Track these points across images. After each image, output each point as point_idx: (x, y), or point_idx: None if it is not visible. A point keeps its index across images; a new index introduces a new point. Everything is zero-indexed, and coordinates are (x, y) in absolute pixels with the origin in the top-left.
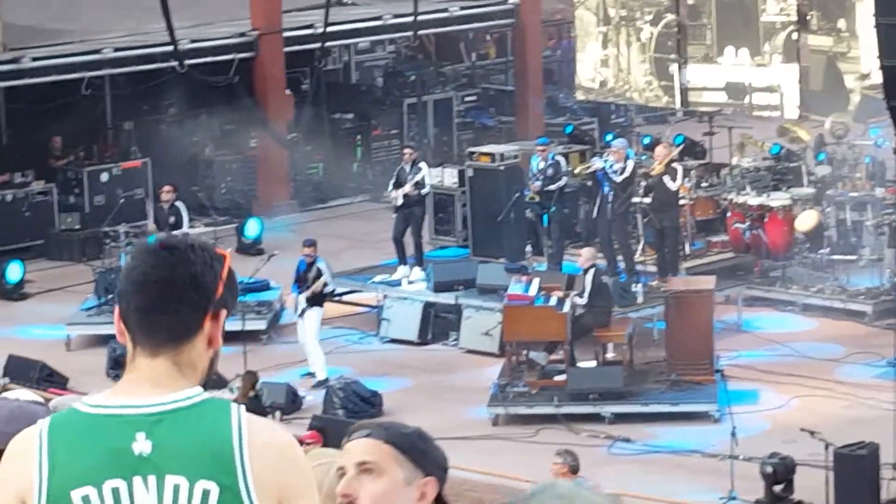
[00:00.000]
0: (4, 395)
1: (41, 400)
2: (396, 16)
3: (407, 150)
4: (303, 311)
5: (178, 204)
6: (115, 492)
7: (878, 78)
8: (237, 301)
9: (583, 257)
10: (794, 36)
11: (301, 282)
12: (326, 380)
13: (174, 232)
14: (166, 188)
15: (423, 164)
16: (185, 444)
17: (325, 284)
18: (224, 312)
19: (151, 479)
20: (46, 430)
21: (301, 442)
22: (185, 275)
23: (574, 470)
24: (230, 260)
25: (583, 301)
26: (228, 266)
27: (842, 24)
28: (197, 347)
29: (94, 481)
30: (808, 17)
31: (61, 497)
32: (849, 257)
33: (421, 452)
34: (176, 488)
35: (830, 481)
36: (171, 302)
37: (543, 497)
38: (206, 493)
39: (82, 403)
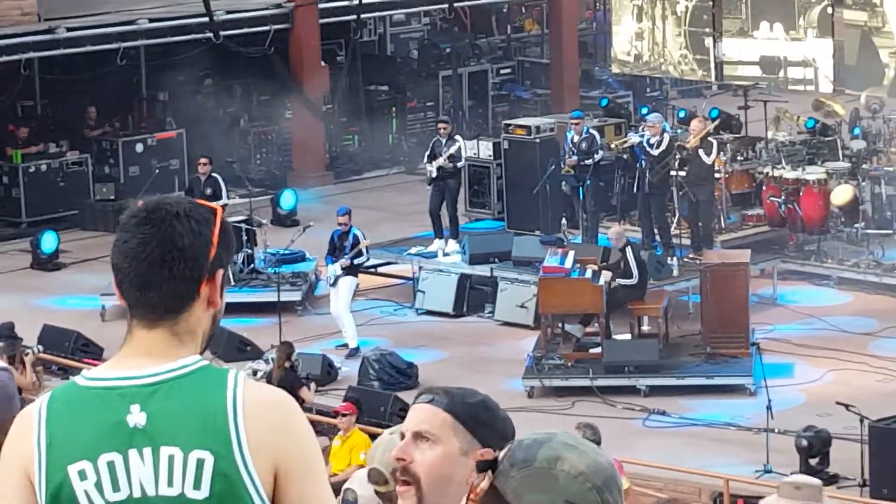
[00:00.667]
0: None
1: (7, 367)
2: None
3: (442, 124)
4: (336, 280)
5: (216, 175)
6: (111, 465)
7: None
8: (233, 252)
9: (614, 237)
10: (829, 10)
11: (335, 251)
12: (358, 348)
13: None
14: (202, 160)
15: (458, 137)
16: (178, 414)
17: (360, 252)
18: (220, 272)
19: (147, 451)
20: (45, 405)
21: (336, 413)
22: (173, 249)
23: (597, 443)
24: (221, 215)
25: (633, 281)
26: (220, 222)
27: None
28: (195, 313)
29: (89, 455)
30: None
31: (58, 472)
32: (884, 231)
33: (481, 423)
34: (171, 459)
35: (865, 455)
36: (163, 278)
37: (553, 444)
38: (200, 463)
39: (81, 377)
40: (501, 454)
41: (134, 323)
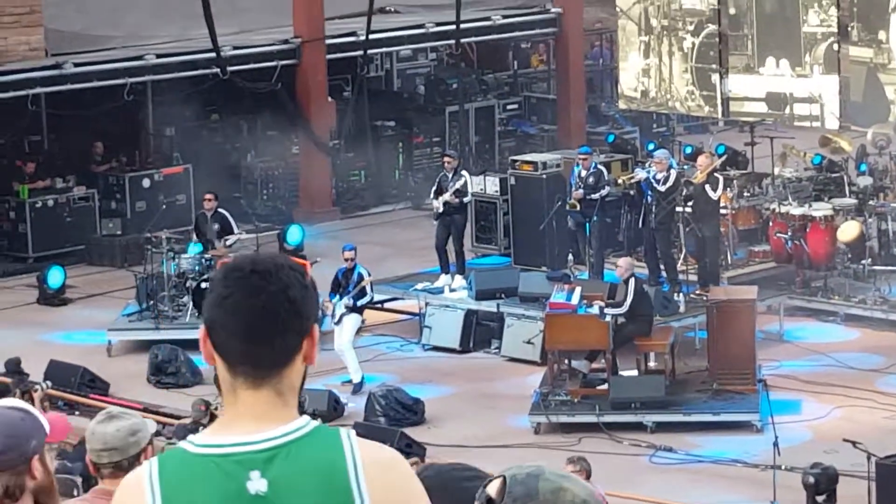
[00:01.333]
0: None
1: (25, 407)
2: (439, 24)
3: (448, 158)
4: (340, 318)
5: (222, 211)
6: None
7: None
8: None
9: (621, 267)
10: (835, 47)
11: (339, 288)
12: (362, 383)
13: (227, 239)
14: (208, 196)
15: (464, 172)
16: (300, 479)
17: (364, 292)
18: (316, 326)
19: None
20: (157, 474)
21: None
22: (285, 301)
23: (588, 475)
24: (309, 270)
25: (622, 310)
26: (310, 277)
27: (882, 35)
28: (295, 369)
29: None
30: (850, 28)
31: None
32: (890, 268)
33: None
34: None
35: (873, 492)
36: (275, 332)
37: (548, 476)
38: None
39: (189, 444)
40: (494, 491)
41: (238, 383)
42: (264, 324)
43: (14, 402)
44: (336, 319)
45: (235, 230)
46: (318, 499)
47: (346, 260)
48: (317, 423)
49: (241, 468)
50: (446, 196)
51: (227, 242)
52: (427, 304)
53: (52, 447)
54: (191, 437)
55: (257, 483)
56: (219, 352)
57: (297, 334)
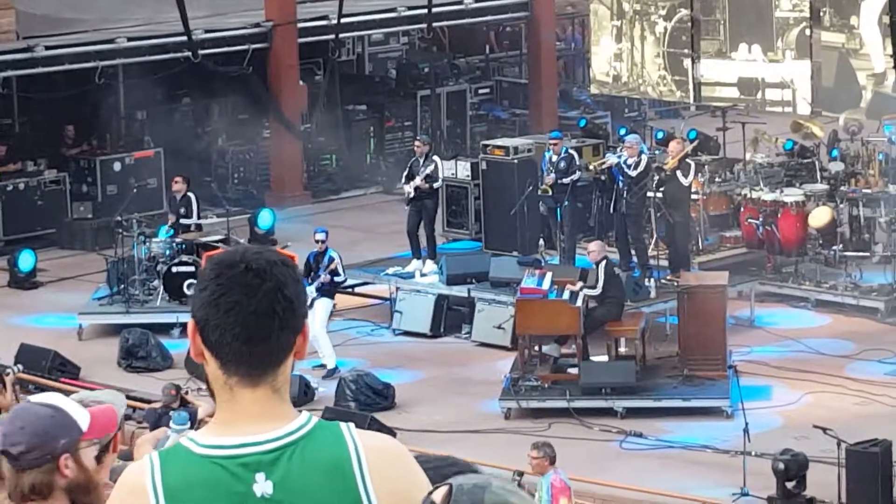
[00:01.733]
0: (32, 399)
1: (58, 404)
2: (410, 7)
3: (418, 143)
4: (312, 302)
5: (190, 195)
6: None
7: (890, 75)
8: None
9: (593, 251)
10: (807, 32)
11: (310, 273)
12: (336, 369)
13: (184, 223)
14: (176, 179)
15: (435, 157)
16: (305, 478)
17: (336, 272)
18: (307, 320)
19: None
20: (159, 475)
21: None
22: (282, 300)
23: (552, 461)
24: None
25: (596, 292)
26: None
27: (854, 20)
28: (288, 365)
29: None
30: (821, 14)
31: None
32: (861, 254)
33: None
34: None
35: (843, 478)
36: (274, 330)
37: (495, 490)
38: None
39: (193, 443)
40: (440, 499)
41: (234, 381)
42: (262, 323)
43: (49, 397)
44: (308, 303)
45: (194, 216)
46: (324, 497)
47: (318, 243)
48: (317, 418)
49: (247, 470)
50: (417, 181)
51: (190, 226)
52: (398, 288)
53: (93, 442)
54: (192, 435)
55: (263, 485)
56: (212, 351)
57: (293, 332)
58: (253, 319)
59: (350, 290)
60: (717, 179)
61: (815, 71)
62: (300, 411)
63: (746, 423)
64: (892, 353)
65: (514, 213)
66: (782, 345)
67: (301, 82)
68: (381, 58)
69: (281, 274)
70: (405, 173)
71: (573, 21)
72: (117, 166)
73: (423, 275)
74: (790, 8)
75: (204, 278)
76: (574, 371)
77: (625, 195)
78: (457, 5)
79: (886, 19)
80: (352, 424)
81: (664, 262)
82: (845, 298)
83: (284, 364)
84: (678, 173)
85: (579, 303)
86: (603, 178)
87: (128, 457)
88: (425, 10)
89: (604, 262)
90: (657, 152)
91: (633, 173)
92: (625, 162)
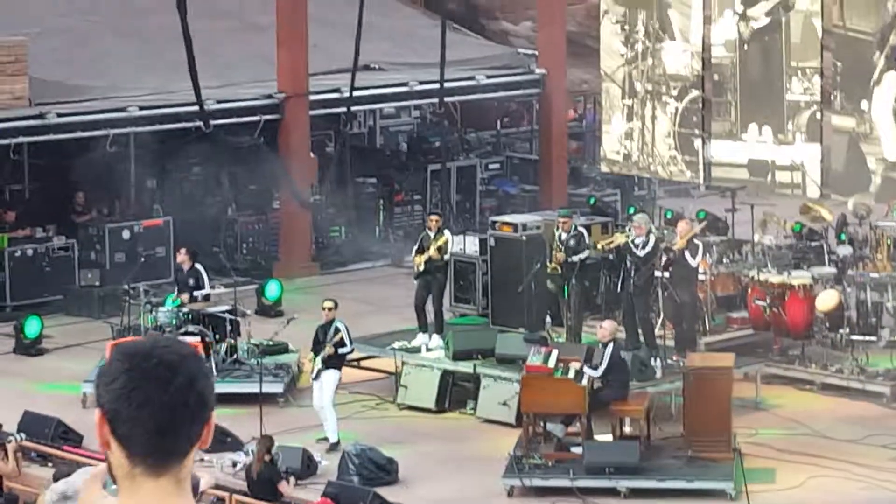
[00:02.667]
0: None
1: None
2: (422, 82)
3: (433, 217)
4: (318, 374)
5: (198, 266)
6: None
7: None
8: None
9: (605, 330)
10: (818, 115)
11: (318, 345)
12: (338, 443)
13: (196, 295)
14: (181, 251)
15: (446, 231)
16: None
17: (342, 344)
18: (213, 412)
19: None
20: None
21: None
22: (193, 394)
23: None
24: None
25: (597, 374)
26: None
27: (864, 104)
28: (192, 455)
29: None
30: (832, 97)
31: None
32: (868, 338)
33: None
34: None
35: None
36: (184, 423)
37: None
38: None
39: None
40: None
41: (138, 472)
42: (174, 417)
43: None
44: (314, 375)
45: (206, 288)
46: None
47: (325, 311)
48: None
49: None
50: (428, 253)
51: (198, 297)
52: (403, 362)
53: None
54: None
55: None
56: (120, 441)
57: (202, 423)
58: (165, 413)
59: (356, 363)
60: (724, 260)
61: (825, 154)
62: None
63: None
64: None
65: (522, 290)
66: (787, 427)
67: (312, 154)
68: (392, 131)
69: (192, 368)
70: (415, 247)
71: (585, 99)
72: (126, 234)
73: (429, 349)
74: (801, 91)
75: (114, 370)
76: (578, 450)
77: (632, 274)
78: (469, 80)
79: None
80: None
81: (671, 343)
82: (851, 382)
83: (189, 455)
84: (686, 253)
85: (585, 382)
86: (611, 256)
87: None
88: (437, 86)
89: (611, 345)
90: (665, 232)
91: (641, 253)
92: (633, 241)
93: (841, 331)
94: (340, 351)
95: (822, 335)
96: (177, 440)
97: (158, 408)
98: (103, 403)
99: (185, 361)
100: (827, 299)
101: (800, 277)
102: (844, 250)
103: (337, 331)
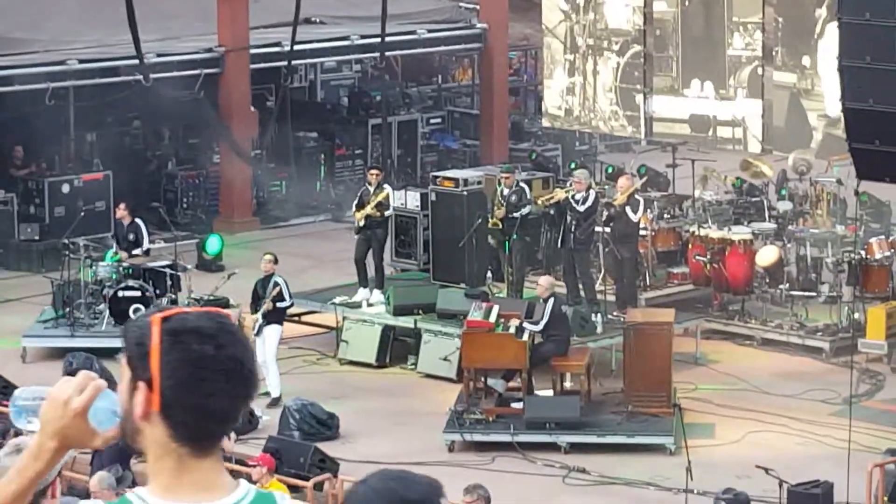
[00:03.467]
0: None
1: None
2: (364, 36)
3: (374, 171)
4: (260, 329)
5: (138, 221)
6: None
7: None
8: None
9: (541, 286)
10: (759, 71)
11: (258, 300)
12: (280, 398)
13: (136, 252)
14: (120, 206)
15: (386, 186)
16: None
17: (282, 299)
18: None
19: None
20: None
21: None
22: (253, 384)
23: (487, 502)
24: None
25: (538, 328)
26: None
27: (806, 60)
28: None
29: None
30: (774, 53)
31: None
32: (808, 293)
33: None
34: None
35: None
36: (240, 411)
37: None
38: None
39: (141, 501)
40: None
41: (184, 451)
42: (235, 407)
43: None
44: (256, 331)
45: (145, 243)
46: None
47: (266, 263)
48: (255, 488)
49: None
50: (368, 209)
51: (138, 252)
52: (344, 318)
53: None
54: (138, 491)
55: None
56: (172, 425)
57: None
58: (229, 404)
59: (296, 318)
60: (665, 216)
61: (766, 109)
62: (238, 482)
63: (689, 461)
64: (835, 393)
65: (463, 245)
66: (727, 383)
67: (252, 108)
68: (333, 85)
69: (251, 357)
70: (355, 202)
71: (526, 54)
72: (66, 188)
73: (370, 304)
74: (743, 46)
75: (177, 358)
76: (519, 405)
77: (573, 230)
78: (410, 35)
79: None
80: (286, 494)
81: (611, 298)
82: (791, 338)
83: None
84: (627, 209)
85: (525, 337)
86: (551, 212)
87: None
88: (378, 39)
89: (552, 300)
90: (606, 187)
91: (582, 208)
92: (573, 197)
93: (781, 286)
94: (280, 305)
95: (762, 291)
96: (229, 426)
97: (225, 399)
98: (164, 390)
99: (247, 351)
100: (767, 255)
101: (740, 233)
102: (784, 206)
103: (276, 285)
